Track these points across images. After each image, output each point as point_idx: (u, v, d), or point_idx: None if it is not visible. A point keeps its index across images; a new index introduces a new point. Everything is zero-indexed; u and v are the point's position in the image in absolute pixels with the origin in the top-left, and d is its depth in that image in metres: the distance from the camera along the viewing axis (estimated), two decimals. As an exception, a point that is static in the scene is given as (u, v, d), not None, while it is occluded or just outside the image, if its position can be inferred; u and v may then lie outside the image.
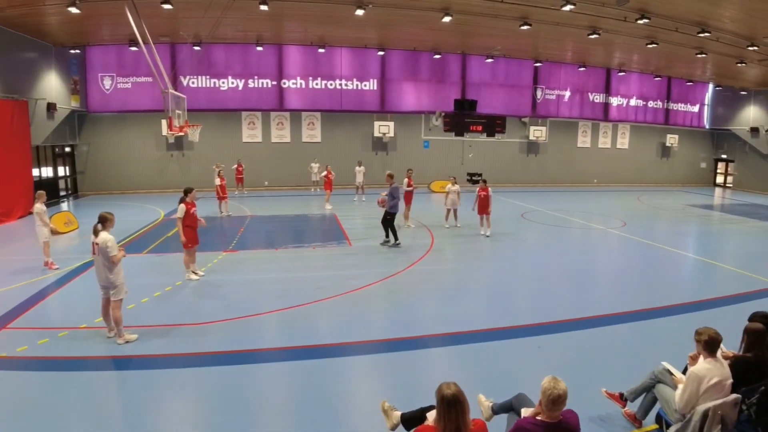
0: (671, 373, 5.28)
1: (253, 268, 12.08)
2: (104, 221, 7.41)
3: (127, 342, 7.45)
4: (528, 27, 20.41)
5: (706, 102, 36.49)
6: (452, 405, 3.51)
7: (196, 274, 11.00)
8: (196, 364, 6.99)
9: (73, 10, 17.13)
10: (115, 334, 7.52)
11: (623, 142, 34.64)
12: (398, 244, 14.18)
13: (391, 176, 14.65)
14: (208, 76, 27.39)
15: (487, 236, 15.65)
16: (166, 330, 8.06)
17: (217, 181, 19.01)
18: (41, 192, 12.13)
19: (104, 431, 5.36)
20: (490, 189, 15.87)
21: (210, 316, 8.72)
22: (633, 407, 5.56)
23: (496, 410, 5.02)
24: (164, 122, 21.58)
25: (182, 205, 10.59)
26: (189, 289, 10.37)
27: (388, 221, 14.15)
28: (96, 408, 5.84)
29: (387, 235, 14.34)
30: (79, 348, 7.35)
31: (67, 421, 5.54)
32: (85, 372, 6.75)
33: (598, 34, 21.20)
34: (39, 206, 11.65)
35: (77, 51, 24.38)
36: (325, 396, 6.13)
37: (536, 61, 30.83)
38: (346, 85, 29.11)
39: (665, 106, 35.29)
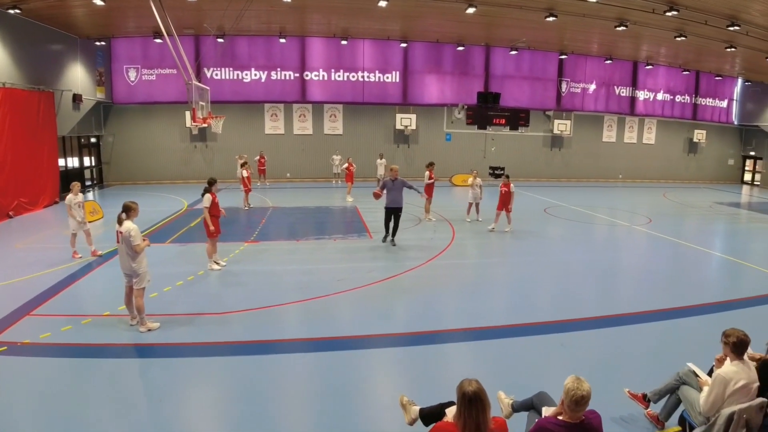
0: (696, 375, 5.17)
1: (275, 259, 12.14)
2: (128, 210, 7.50)
3: (149, 330, 7.54)
4: (554, 18, 20.09)
5: (735, 97, 35.63)
6: (473, 402, 3.47)
7: (218, 264, 11.09)
8: (218, 354, 7.05)
9: (98, 2, 17.32)
10: (138, 322, 7.62)
11: (650, 137, 34.00)
12: (387, 239, 13.64)
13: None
14: (231, 68, 27.54)
15: (506, 231, 15.45)
16: (188, 319, 8.14)
17: (243, 173, 19.03)
18: (74, 183, 12.19)
19: (126, 418, 5.42)
20: (512, 185, 15.44)
21: (232, 305, 8.79)
22: (656, 408, 5.46)
23: (517, 408, 4.96)
24: (188, 114, 21.79)
25: (208, 195, 10.73)
26: (211, 278, 10.46)
27: (399, 217, 13.51)
28: (118, 395, 5.91)
29: (391, 233, 13.63)
30: (101, 335, 7.46)
31: (89, 407, 5.62)
32: (107, 359, 6.84)
33: (626, 26, 20.80)
34: (69, 197, 11.73)
35: (102, 43, 24.69)
36: (344, 388, 6.13)
37: (561, 54, 30.39)
38: (368, 77, 29.02)
39: (693, 101, 34.51)
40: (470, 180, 17.14)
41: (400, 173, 13.59)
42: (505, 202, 15.41)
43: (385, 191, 13.28)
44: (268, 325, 8.04)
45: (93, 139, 25.67)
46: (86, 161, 24.96)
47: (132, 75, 26.51)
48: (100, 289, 9.67)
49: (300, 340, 7.54)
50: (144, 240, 7.51)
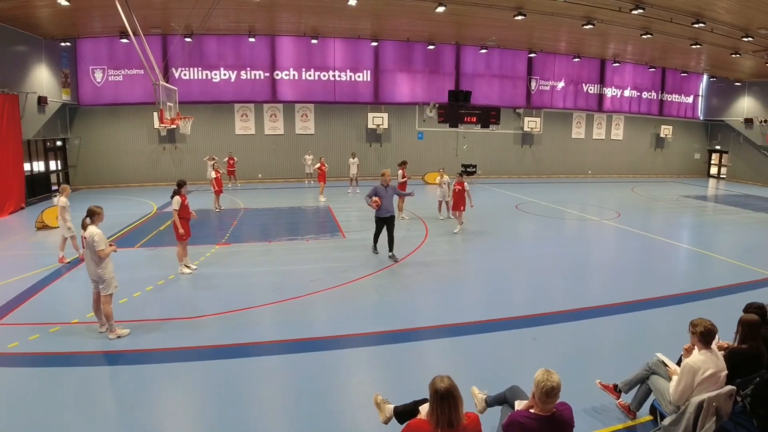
0: (666, 365, 5.26)
1: (247, 261, 12.01)
2: (93, 215, 7.34)
3: (119, 337, 7.38)
4: (522, 17, 20.28)
5: (701, 93, 36.49)
6: (445, 399, 3.48)
7: (188, 267, 10.93)
8: (190, 359, 6.94)
9: (63, 2, 16.90)
10: (107, 329, 7.45)
11: (617, 133, 34.61)
12: (375, 249, 12.81)
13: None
14: (200, 68, 27.15)
15: (455, 233, 15.07)
16: (159, 324, 8.00)
17: (213, 174, 18.82)
18: (64, 186, 12.00)
19: (97, 427, 5.30)
20: (466, 183, 15.29)
21: (203, 309, 8.66)
22: (627, 398, 5.55)
23: (490, 403, 4.99)
24: (156, 115, 21.42)
25: (177, 197, 10.56)
26: (182, 282, 10.30)
27: (393, 226, 12.34)
28: (89, 404, 5.79)
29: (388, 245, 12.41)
30: (70, 343, 7.29)
31: (59, 417, 5.49)
32: (77, 367, 6.67)
33: (593, 24, 21.10)
34: (62, 200, 11.56)
35: (68, 44, 24.11)
36: (320, 389, 6.10)
37: (531, 52, 30.70)
38: (339, 76, 28.92)
39: (659, 97, 35.25)
40: (438, 178, 17.21)
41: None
42: (458, 201, 15.23)
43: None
44: (241, 328, 7.94)
45: (59, 143, 25.07)
46: (52, 165, 24.33)
47: (98, 76, 25.97)
48: (68, 296, 9.46)
49: (274, 342, 7.47)
50: (110, 245, 7.36)
